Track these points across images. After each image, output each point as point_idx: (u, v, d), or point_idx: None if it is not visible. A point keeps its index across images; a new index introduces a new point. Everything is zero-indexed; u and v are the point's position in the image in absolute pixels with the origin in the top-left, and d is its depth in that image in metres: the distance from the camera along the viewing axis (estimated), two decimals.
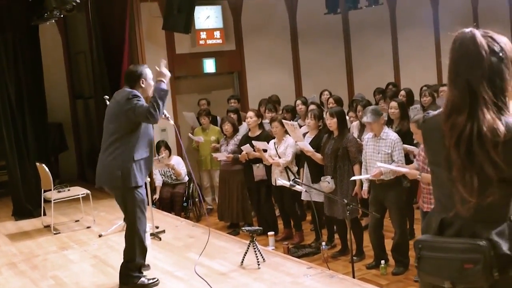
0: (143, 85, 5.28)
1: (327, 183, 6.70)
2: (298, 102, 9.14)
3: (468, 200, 2.07)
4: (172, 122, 5.80)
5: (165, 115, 5.49)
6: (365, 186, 6.53)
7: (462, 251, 2.08)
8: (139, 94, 5.20)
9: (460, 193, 2.08)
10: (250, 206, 8.51)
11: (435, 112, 2.34)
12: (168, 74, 5.28)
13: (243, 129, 8.93)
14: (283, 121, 7.55)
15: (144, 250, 5.39)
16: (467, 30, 2.17)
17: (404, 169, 5.82)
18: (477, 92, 2.09)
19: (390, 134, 6.30)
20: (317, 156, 6.96)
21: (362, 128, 7.97)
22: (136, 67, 5.46)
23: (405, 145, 6.37)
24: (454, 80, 2.15)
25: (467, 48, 2.13)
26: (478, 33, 2.14)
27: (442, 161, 2.15)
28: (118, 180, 5.17)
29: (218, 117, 10.12)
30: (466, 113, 2.08)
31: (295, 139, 7.35)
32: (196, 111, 10.34)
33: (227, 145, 8.62)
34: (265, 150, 7.75)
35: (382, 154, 6.23)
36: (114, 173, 5.17)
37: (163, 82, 5.22)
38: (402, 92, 9.65)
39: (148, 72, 5.37)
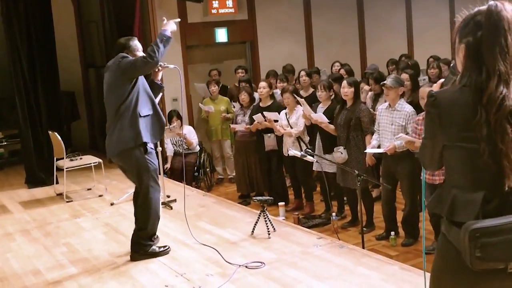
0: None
1: (340, 153, 6.70)
2: (302, 73, 9.01)
3: None
4: (172, 66, 5.54)
5: (162, 65, 5.40)
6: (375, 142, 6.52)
7: None
8: (127, 55, 5.22)
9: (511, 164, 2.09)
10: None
11: (446, 88, 2.32)
12: (174, 27, 5.26)
13: (255, 99, 8.91)
14: (298, 98, 7.49)
15: (156, 220, 5.43)
16: (499, 3, 2.17)
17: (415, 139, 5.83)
18: None
19: (406, 106, 6.26)
20: (331, 128, 6.94)
21: (376, 98, 7.94)
22: (123, 39, 5.44)
23: None
24: (502, 51, 2.12)
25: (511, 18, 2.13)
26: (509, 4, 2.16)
27: (482, 136, 2.11)
28: (130, 140, 5.15)
29: (228, 86, 10.07)
30: None
31: (307, 112, 7.32)
32: (207, 80, 10.31)
33: (244, 115, 8.58)
34: (275, 121, 7.74)
35: (396, 126, 6.20)
36: (126, 135, 5.16)
37: (167, 29, 5.18)
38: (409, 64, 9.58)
39: (134, 44, 5.35)
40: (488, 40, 2.14)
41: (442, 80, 2.56)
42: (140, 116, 5.17)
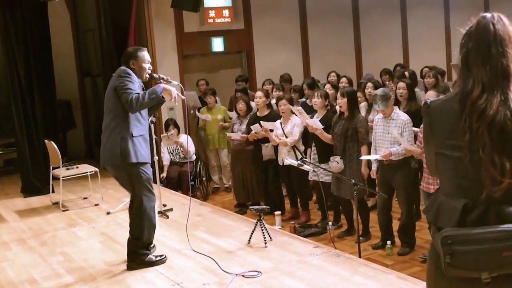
0: (133, 66, 5.25)
1: (336, 163, 6.71)
2: (305, 86, 9.08)
3: (500, 181, 2.07)
4: (176, 82, 5.53)
5: (164, 78, 5.40)
6: (374, 166, 6.54)
7: (499, 240, 2.05)
8: (131, 72, 5.20)
9: (491, 174, 2.08)
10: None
11: (441, 97, 2.36)
12: (172, 93, 5.28)
13: (253, 108, 8.93)
14: (291, 107, 7.53)
15: (152, 229, 5.44)
16: (490, 14, 2.20)
17: (414, 148, 5.87)
18: (509, 74, 2.13)
19: (401, 115, 6.29)
20: (326, 136, 6.95)
21: (370, 108, 7.95)
22: (132, 48, 5.43)
23: (415, 128, 6.36)
24: (486, 61, 2.15)
25: (499, 31, 2.16)
26: (504, 17, 2.19)
27: (464, 143, 2.13)
28: (118, 158, 5.19)
29: (217, 98, 10.05)
30: (498, 95, 2.11)
31: (303, 120, 7.33)
32: (204, 91, 10.33)
33: (240, 124, 8.61)
34: (271, 130, 7.75)
35: (392, 135, 6.22)
36: (114, 151, 5.19)
37: (161, 87, 5.23)
38: (406, 74, 9.59)
39: (142, 54, 5.32)
40: (474, 51, 2.18)
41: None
42: (133, 136, 5.17)
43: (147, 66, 5.35)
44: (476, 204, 2.14)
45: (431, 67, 10.46)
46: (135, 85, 5.19)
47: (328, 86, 8.27)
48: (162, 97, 5.38)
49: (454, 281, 2.17)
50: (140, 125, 5.27)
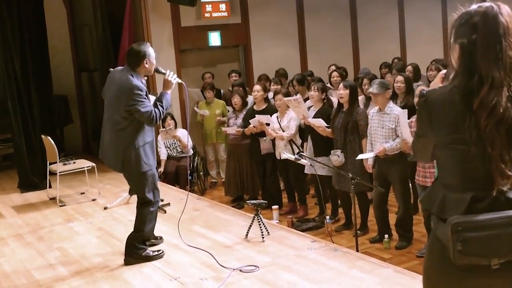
0: (146, 65, 5.21)
1: (336, 156, 6.69)
2: (295, 82, 9.06)
3: (508, 175, 2.08)
4: (179, 80, 5.47)
5: (164, 72, 5.37)
6: (370, 160, 6.53)
7: (510, 225, 2.06)
8: (142, 86, 5.13)
9: (501, 169, 2.08)
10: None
11: (436, 88, 2.32)
12: (173, 82, 5.33)
13: (248, 102, 8.91)
14: (285, 98, 7.51)
15: (153, 224, 5.47)
16: (495, 4, 2.16)
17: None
18: None
19: (395, 109, 6.28)
20: (328, 131, 6.92)
21: (367, 102, 7.94)
22: (140, 47, 5.28)
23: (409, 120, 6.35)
24: (497, 56, 2.10)
25: (507, 23, 2.12)
26: (507, 7, 2.16)
27: (471, 140, 2.11)
28: (120, 167, 5.25)
29: (222, 90, 10.08)
30: (506, 91, 2.09)
31: (299, 115, 7.29)
32: (201, 84, 10.33)
33: (236, 119, 8.60)
34: (268, 124, 7.73)
35: (386, 129, 6.22)
36: (118, 158, 5.21)
37: (168, 93, 5.28)
38: (409, 68, 9.53)
39: (151, 51, 5.27)
40: (483, 45, 2.12)
41: (444, 71, 2.55)
42: (136, 147, 5.15)
43: (155, 62, 5.33)
44: (484, 196, 2.13)
45: (438, 60, 10.38)
46: (147, 97, 5.17)
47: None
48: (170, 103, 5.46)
49: (460, 270, 2.16)
50: (145, 132, 5.23)
